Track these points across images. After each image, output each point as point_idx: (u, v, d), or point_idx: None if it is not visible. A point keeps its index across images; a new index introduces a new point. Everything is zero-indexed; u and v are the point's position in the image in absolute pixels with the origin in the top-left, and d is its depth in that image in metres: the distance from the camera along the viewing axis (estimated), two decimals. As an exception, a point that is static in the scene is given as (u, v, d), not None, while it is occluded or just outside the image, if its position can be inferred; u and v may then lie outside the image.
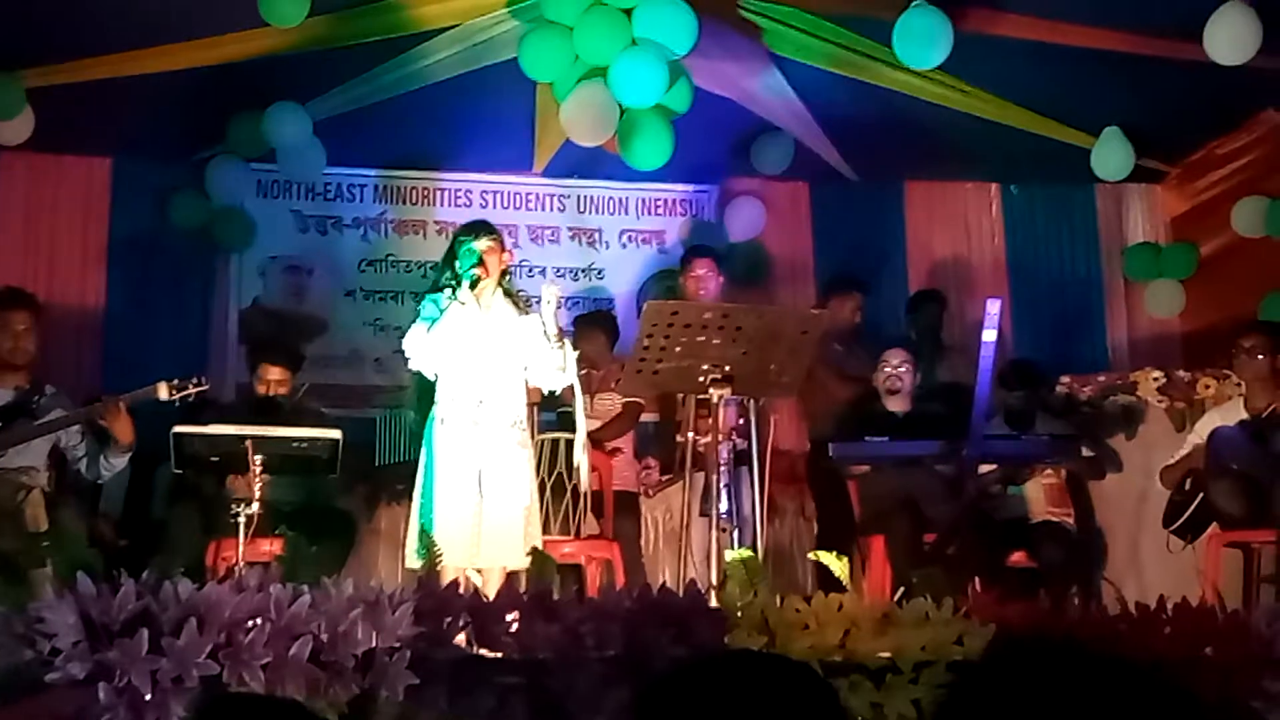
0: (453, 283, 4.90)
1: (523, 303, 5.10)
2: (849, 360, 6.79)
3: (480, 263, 4.88)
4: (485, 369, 4.89)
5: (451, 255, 4.99)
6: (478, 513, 4.74)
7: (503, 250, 5.06)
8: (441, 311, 4.85)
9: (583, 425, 5.14)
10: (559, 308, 5.00)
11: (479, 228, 5.07)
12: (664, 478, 6.44)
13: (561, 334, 4.93)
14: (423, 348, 4.85)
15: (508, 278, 5.11)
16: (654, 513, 6.63)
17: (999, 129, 7.21)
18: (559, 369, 4.92)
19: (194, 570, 4.33)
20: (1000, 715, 1.44)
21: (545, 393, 5.17)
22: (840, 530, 6.36)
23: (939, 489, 5.70)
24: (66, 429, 5.41)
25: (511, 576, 4.89)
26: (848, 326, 7.04)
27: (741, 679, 1.59)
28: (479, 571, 4.71)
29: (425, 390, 5.02)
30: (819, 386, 6.54)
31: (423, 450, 4.93)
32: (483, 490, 4.77)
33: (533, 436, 5.23)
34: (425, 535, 4.19)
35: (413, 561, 4.84)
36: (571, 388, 5.04)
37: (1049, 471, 6.09)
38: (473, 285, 4.84)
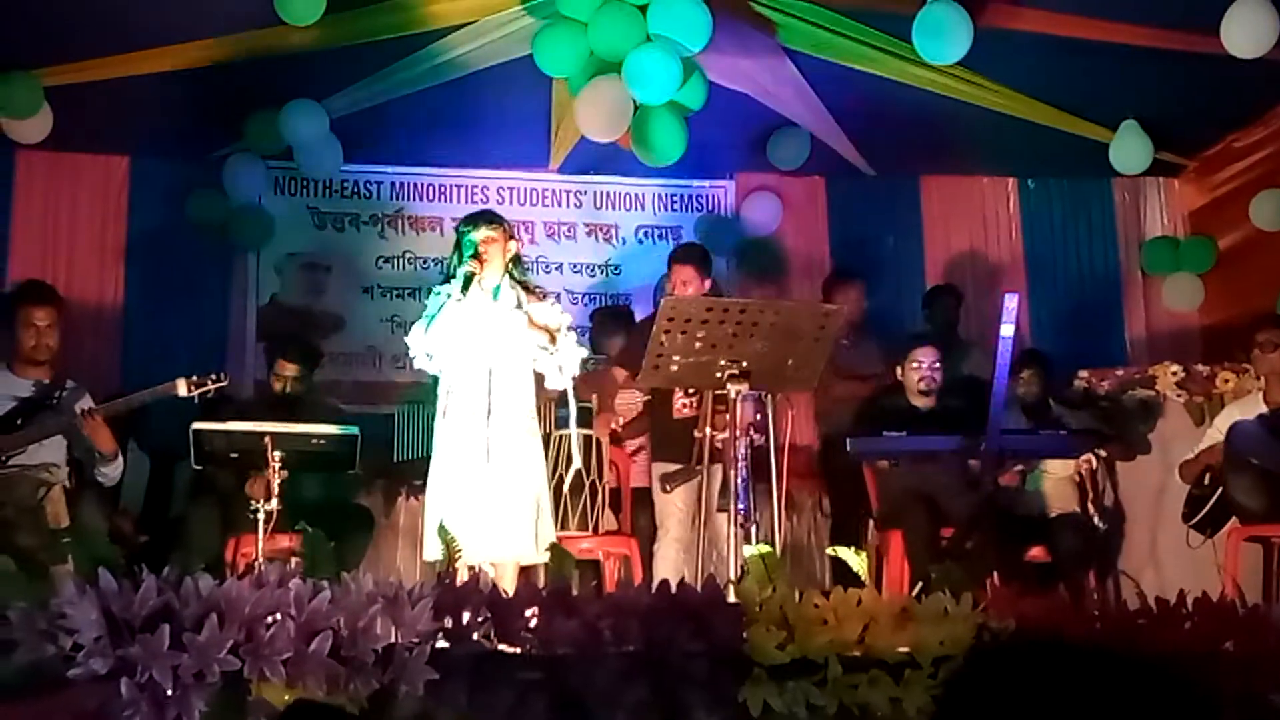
0: (456, 275, 4.86)
1: (534, 292, 5.03)
2: (858, 356, 6.76)
3: (476, 255, 4.83)
4: (493, 359, 4.84)
5: (458, 247, 4.95)
6: (485, 505, 4.70)
7: (508, 239, 4.98)
8: (439, 308, 4.81)
9: (574, 427, 5.11)
10: (543, 317, 4.94)
11: (477, 219, 5.01)
12: (679, 474, 6.43)
13: (553, 338, 4.87)
14: (422, 346, 4.82)
15: (517, 266, 5.04)
16: (690, 508, 6.60)
17: (1016, 123, 7.19)
18: (557, 368, 4.89)
19: (214, 566, 4.35)
20: (991, 713, 1.44)
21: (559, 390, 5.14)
22: (854, 525, 6.36)
23: (957, 484, 5.69)
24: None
25: (529, 572, 4.90)
26: (853, 318, 7.03)
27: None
28: (493, 565, 4.69)
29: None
30: (822, 385, 6.54)
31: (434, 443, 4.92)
32: (491, 482, 4.73)
33: (548, 431, 5.22)
34: (443, 530, 4.18)
35: (430, 554, 4.83)
36: (565, 392, 4.99)
37: (1066, 467, 6.09)
38: (465, 282, 4.79)
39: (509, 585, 4.37)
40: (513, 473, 4.80)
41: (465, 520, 4.56)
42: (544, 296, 5.07)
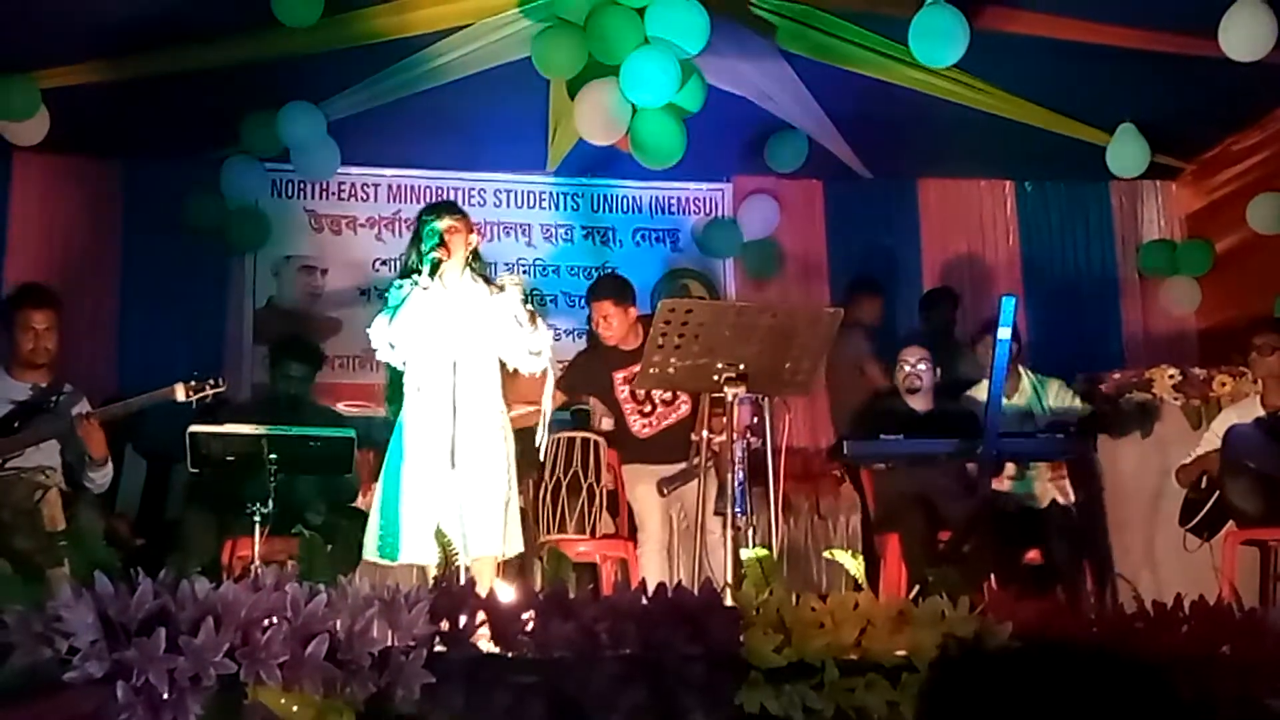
0: (418, 266, 4.76)
1: (494, 284, 4.93)
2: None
3: (441, 244, 4.72)
4: (457, 351, 4.74)
5: (417, 238, 4.84)
6: (454, 504, 4.58)
7: (469, 230, 4.87)
8: (403, 299, 4.70)
9: (548, 409, 5.01)
10: (524, 294, 4.87)
11: (440, 208, 4.96)
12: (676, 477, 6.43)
13: (534, 317, 4.78)
14: (385, 336, 4.71)
15: (477, 259, 4.93)
16: (669, 511, 6.62)
17: (1013, 126, 7.20)
18: (533, 352, 4.79)
19: (210, 569, 4.34)
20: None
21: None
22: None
23: (954, 487, 5.69)
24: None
25: (524, 574, 4.89)
26: (872, 327, 7.09)
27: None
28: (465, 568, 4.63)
29: (399, 382, 4.91)
30: (867, 381, 6.60)
31: (392, 439, 4.81)
32: (456, 480, 4.62)
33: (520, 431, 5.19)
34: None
35: (371, 553, 4.74)
36: (545, 372, 4.90)
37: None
38: (433, 269, 4.68)
39: (487, 582, 4.36)
40: (480, 469, 4.69)
41: (435, 520, 4.47)
42: (503, 289, 4.95)
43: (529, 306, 4.82)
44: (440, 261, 4.71)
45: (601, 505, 5.86)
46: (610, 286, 6.20)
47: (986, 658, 1.53)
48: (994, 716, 1.43)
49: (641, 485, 5.91)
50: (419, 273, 4.72)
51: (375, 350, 4.81)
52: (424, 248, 4.74)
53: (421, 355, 4.77)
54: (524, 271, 7.93)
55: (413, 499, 4.66)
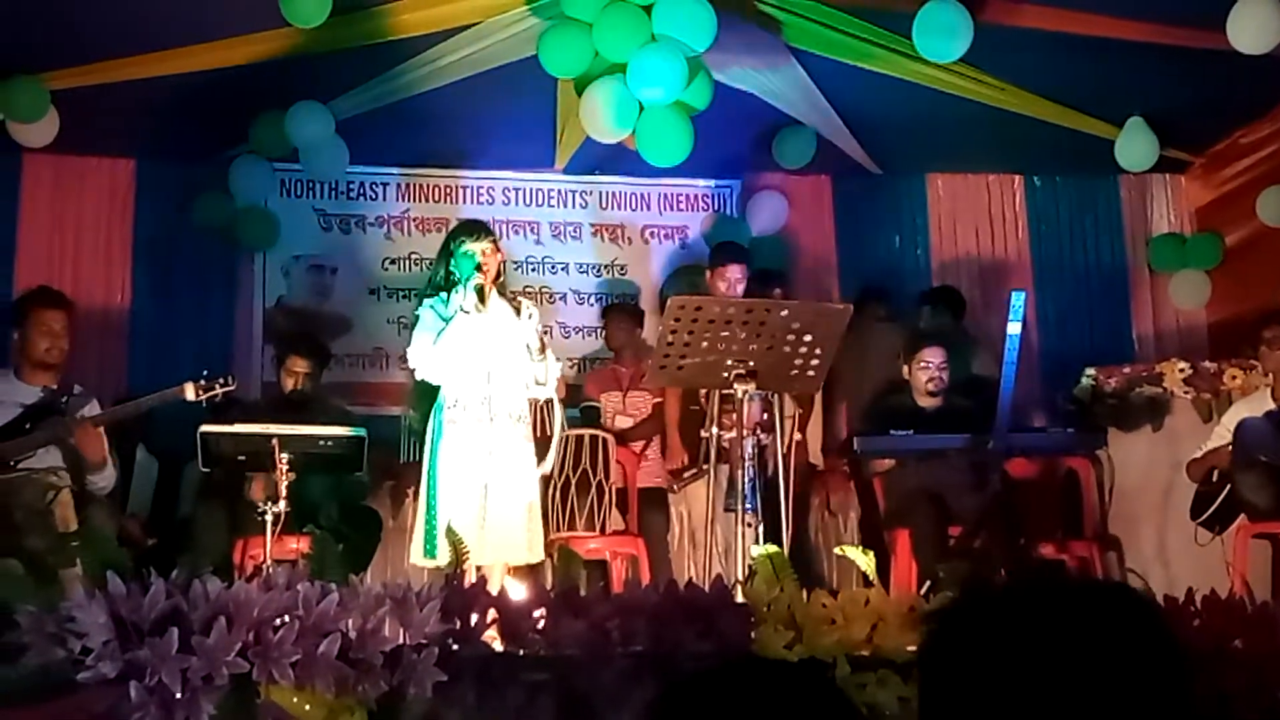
0: (447, 285, 4.91)
1: (516, 302, 5.10)
2: None
3: (479, 268, 4.87)
4: (489, 368, 4.89)
5: (447, 254, 4.97)
6: (483, 510, 4.74)
7: (498, 250, 5.03)
8: (444, 320, 4.85)
9: (559, 434, 5.17)
10: (539, 326, 5.02)
11: (477, 229, 5.05)
12: (688, 473, 6.44)
13: (544, 348, 4.95)
14: (430, 361, 4.86)
15: (502, 277, 5.09)
16: (678, 508, 6.63)
17: (1021, 120, 7.18)
18: (538, 382, 4.94)
19: (222, 569, 4.35)
20: (981, 659, 1.42)
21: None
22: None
23: (964, 482, 5.68)
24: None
25: (535, 572, 4.92)
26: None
27: (758, 685, 1.58)
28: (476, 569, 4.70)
29: (425, 390, 5.02)
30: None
31: (427, 449, 4.95)
32: (488, 487, 4.78)
33: (544, 430, 5.24)
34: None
35: (418, 558, 4.87)
36: (551, 401, 5.10)
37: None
38: (479, 294, 4.83)
39: (498, 582, 4.40)
40: (510, 478, 4.83)
41: (462, 525, 4.56)
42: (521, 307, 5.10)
43: (541, 334, 4.98)
44: (484, 287, 4.85)
45: (611, 502, 5.87)
46: (742, 251, 6.25)
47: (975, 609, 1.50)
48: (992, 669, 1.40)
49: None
50: (446, 289, 4.88)
51: (414, 369, 4.93)
52: (462, 271, 4.86)
53: (458, 372, 4.89)
54: (533, 269, 7.96)
55: (449, 503, 4.77)
